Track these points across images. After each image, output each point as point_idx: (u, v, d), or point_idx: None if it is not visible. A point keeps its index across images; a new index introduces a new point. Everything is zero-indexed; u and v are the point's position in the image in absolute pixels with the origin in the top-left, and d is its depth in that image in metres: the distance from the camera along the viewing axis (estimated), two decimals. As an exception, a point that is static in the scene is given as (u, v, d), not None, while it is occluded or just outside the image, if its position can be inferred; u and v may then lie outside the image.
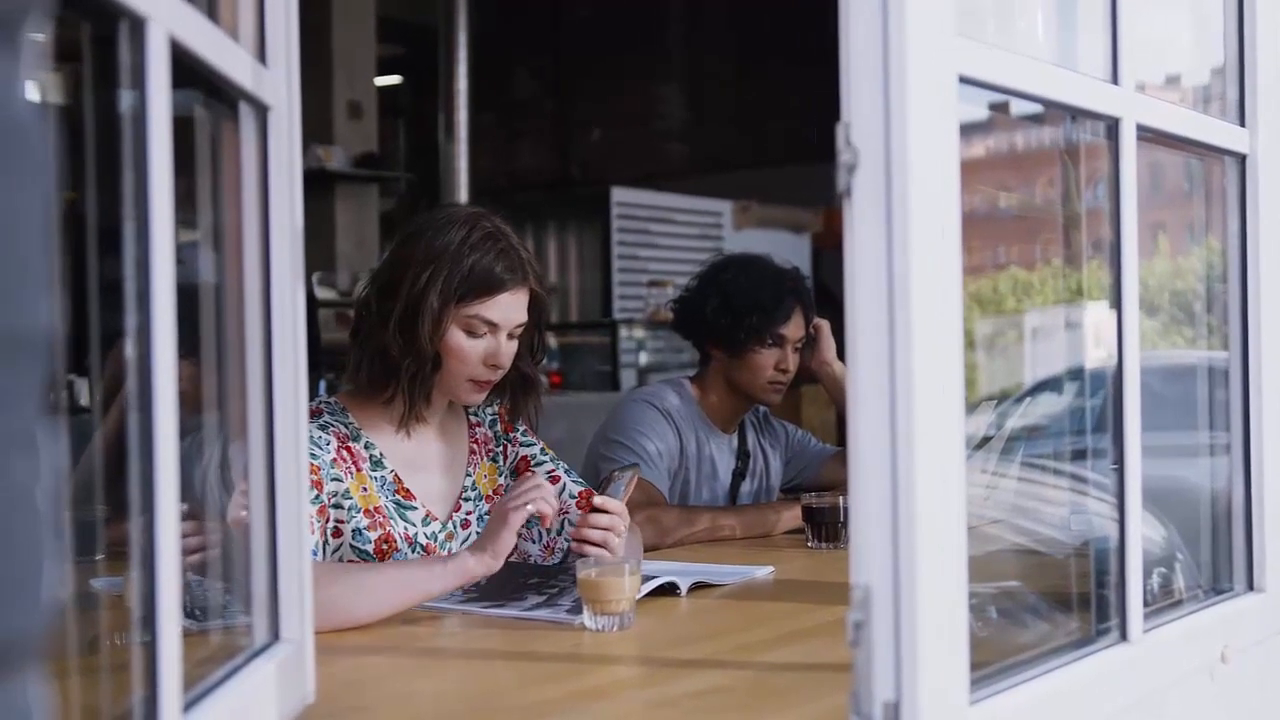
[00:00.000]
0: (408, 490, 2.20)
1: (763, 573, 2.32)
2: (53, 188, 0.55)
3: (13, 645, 0.53)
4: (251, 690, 1.24)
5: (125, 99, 1.00)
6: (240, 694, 1.21)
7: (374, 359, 2.17)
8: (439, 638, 1.84)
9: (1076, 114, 1.53)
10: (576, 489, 2.33)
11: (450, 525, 2.25)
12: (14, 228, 0.51)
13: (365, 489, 2.15)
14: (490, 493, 2.33)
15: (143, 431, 0.99)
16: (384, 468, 2.19)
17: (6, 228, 0.51)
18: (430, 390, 2.20)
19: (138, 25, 0.98)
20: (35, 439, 0.54)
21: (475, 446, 2.35)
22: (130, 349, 1.00)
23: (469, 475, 2.32)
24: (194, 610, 1.35)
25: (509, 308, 2.18)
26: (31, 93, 0.55)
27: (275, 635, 1.36)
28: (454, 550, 2.21)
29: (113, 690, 1.13)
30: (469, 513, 2.30)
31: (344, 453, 2.14)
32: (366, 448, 2.19)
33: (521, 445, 2.39)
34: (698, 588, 2.15)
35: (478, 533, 2.26)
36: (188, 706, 1.07)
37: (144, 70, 0.98)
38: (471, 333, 2.16)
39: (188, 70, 1.09)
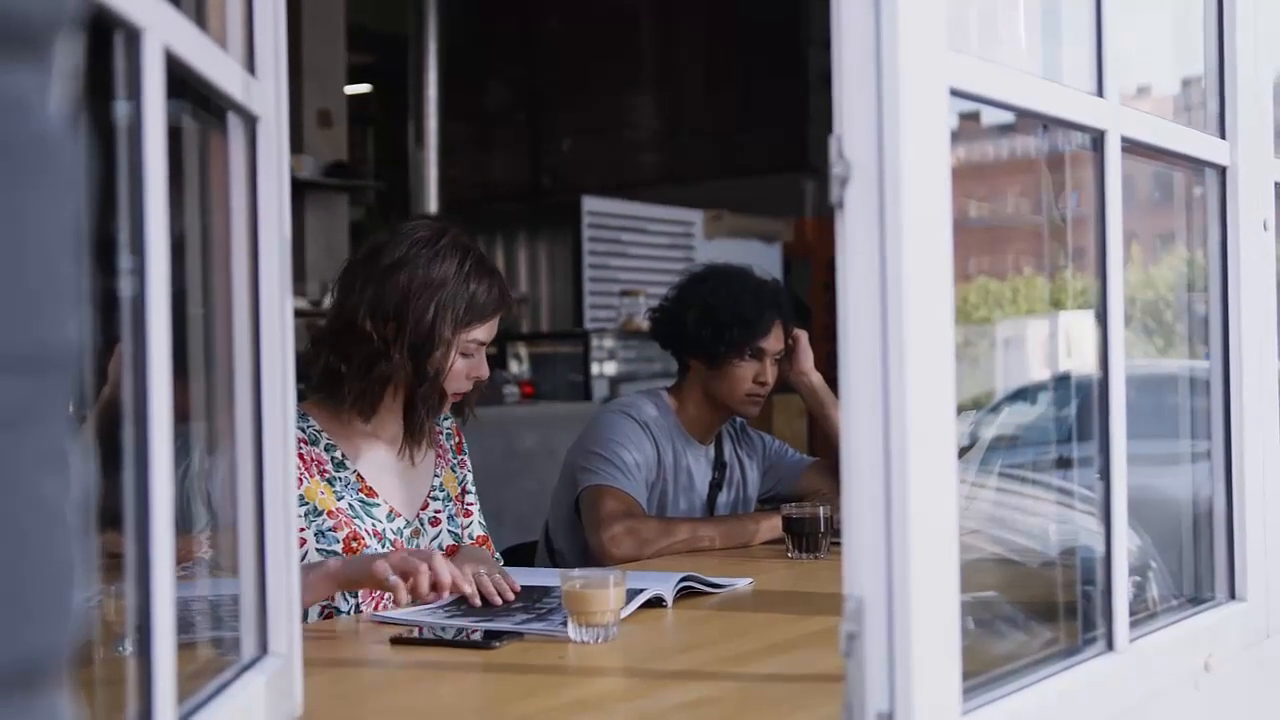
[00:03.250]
0: (371, 488, 2.28)
1: (743, 584, 2.32)
2: (82, 201, 0.54)
3: (47, 661, 0.53)
4: (241, 704, 1.23)
5: (119, 109, 0.99)
6: (230, 708, 1.20)
7: (377, 385, 2.25)
8: (426, 651, 1.83)
9: (1063, 126, 1.54)
10: (478, 532, 2.43)
11: (417, 522, 2.34)
12: (45, 242, 0.51)
13: (323, 492, 2.22)
14: (455, 496, 2.43)
15: (137, 444, 0.98)
16: (347, 469, 2.27)
17: (38, 242, 0.50)
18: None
19: (133, 36, 0.97)
20: (65, 455, 0.54)
21: (440, 451, 2.45)
22: (124, 359, 0.99)
23: (437, 476, 2.41)
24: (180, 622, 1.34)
25: (495, 326, 2.32)
26: (61, 106, 0.54)
27: (264, 649, 1.35)
28: (423, 547, 2.32)
29: (105, 704, 1.12)
30: (438, 511, 2.39)
31: (297, 459, 2.16)
32: (327, 450, 2.26)
33: (467, 470, 2.51)
34: (684, 594, 2.15)
35: (449, 530, 2.39)
36: (180, 721, 1.06)
37: (139, 80, 0.98)
38: (465, 354, 2.28)
39: (177, 80, 1.09)
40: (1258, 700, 1.83)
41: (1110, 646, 1.49)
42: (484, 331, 2.29)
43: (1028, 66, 1.66)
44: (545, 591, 2.15)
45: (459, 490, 2.44)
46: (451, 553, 2.37)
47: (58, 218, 0.52)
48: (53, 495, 0.53)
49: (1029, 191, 1.91)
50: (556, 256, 8.43)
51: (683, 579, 2.17)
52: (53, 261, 0.52)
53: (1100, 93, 1.50)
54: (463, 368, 2.28)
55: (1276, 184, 1.87)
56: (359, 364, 2.22)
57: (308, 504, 2.18)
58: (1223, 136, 1.78)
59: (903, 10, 1.14)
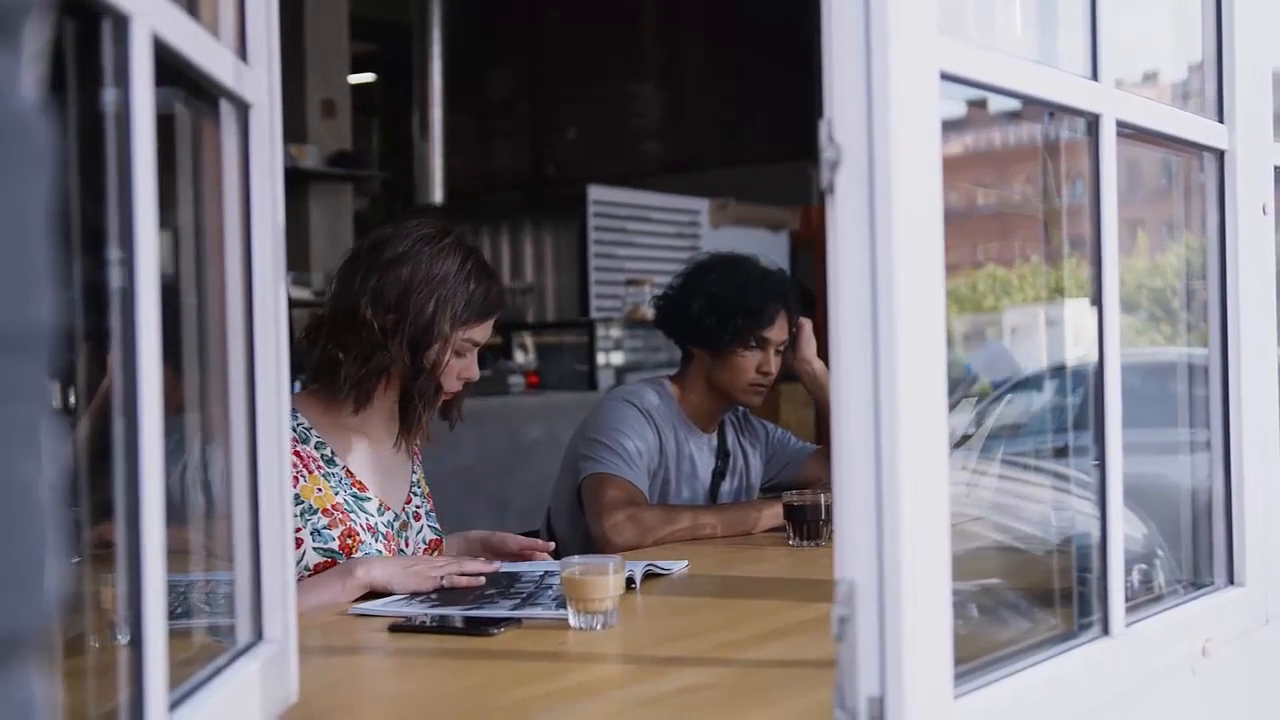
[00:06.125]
0: (361, 483, 2.31)
1: (678, 567, 2.35)
2: (53, 184, 0.55)
3: (18, 640, 0.53)
4: (236, 690, 1.23)
5: (107, 96, 0.99)
6: (224, 693, 1.20)
7: (374, 375, 2.26)
8: (423, 638, 1.84)
9: (1057, 110, 1.54)
10: (430, 536, 2.43)
11: (404, 516, 2.38)
12: (17, 223, 0.51)
13: (320, 489, 2.24)
14: (426, 494, 2.48)
15: (127, 432, 0.98)
16: (336, 465, 2.29)
17: (8, 222, 0.51)
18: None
19: (121, 22, 0.97)
20: (39, 434, 0.54)
21: (416, 449, 2.47)
22: (114, 351, 0.99)
23: (414, 473, 2.45)
24: (174, 610, 1.35)
25: (490, 328, 2.35)
26: (31, 89, 0.54)
27: (259, 635, 1.35)
28: (410, 540, 2.37)
29: (96, 691, 1.12)
30: (418, 506, 2.43)
31: (292, 457, 2.18)
32: (317, 447, 2.28)
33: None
34: (648, 578, 2.21)
35: (429, 526, 2.43)
36: (173, 706, 1.07)
37: (127, 68, 0.98)
38: (458, 353, 2.30)
39: (168, 68, 1.09)
40: (1255, 686, 1.83)
41: (1105, 631, 1.49)
42: (479, 332, 2.31)
43: (1023, 52, 1.66)
44: (515, 578, 2.17)
45: (428, 489, 2.47)
46: (435, 546, 2.43)
47: (28, 199, 0.53)
48: (26, 473, 0.53)
49: (1034, 179, 1.91)
50: (562, 246, 8.42)
51: (646, 566, 2.23)
52: (23, 242, 0.52)
53: (1095, 76, 1.49)
54: (455, 367, 2.30)
55: (1276, 168, 1.86)
56: (357, 353, 2.24)
57: (304, 503, 2.20)
58: (1221, 120, 1.78)
59: (892, -6, 1.14)
